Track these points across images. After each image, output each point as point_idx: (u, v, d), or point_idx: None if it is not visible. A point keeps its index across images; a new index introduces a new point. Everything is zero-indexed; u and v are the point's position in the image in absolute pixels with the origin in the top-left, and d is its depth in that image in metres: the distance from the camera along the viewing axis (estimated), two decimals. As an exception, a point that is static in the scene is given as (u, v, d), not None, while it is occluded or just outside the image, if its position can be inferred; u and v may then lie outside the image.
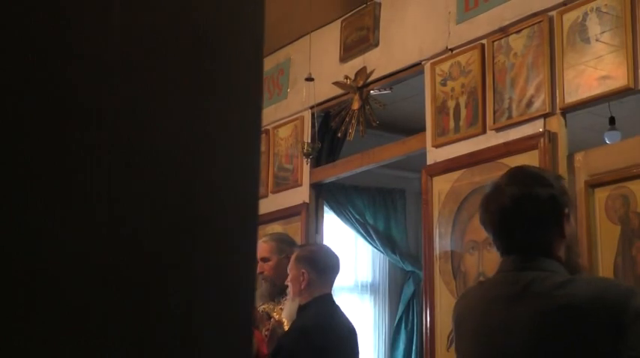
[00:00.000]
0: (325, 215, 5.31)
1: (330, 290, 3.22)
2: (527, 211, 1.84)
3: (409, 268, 5.91)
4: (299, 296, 3.17)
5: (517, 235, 1.86)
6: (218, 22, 0.70)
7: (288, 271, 3.22)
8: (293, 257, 3.25)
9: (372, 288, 6.16)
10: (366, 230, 5.80)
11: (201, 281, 0.66)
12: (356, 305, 6.05)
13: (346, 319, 3.23)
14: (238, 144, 0.69)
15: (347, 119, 4.52)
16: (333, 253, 3.35)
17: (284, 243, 3.53)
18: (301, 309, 3.16)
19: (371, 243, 5.86)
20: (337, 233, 5.86)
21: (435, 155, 4.03)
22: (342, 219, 5.67)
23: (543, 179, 1.88)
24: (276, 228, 4.88)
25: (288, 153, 4.96)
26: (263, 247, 3.63)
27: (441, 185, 3.98)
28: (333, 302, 3.21)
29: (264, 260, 3.58)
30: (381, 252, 5.90)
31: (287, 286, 3.25)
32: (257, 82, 0.71)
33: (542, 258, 1.83)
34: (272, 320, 3.36)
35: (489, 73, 3.79)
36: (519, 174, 1.93)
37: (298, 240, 4.65)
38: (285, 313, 3.25)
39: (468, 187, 3.83)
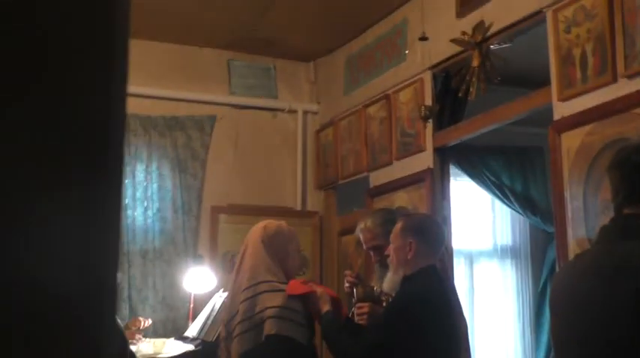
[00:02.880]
0: (458, 179, 5.11)
1: (435, 262, 3.06)
2: None
3: (551, 230, 5.58)
4: (403, 267, 3.04)
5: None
6: None
7: (392, 240, 3.09)
8: (398, 226, 3.11)
9: (513, 252, 5.88)
10: (502, 192, 5.52)
11: None
12: (496, 270, 5.81)
13: (454, 292, 3.07)
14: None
15: (467, 77, 4.28)
16: (440, 224, 3.19)
17: (390, 224, 3.37)
18: (405, 280, 3.03)
19: (509, 206, 5.58)
20: (468, 198, 5.63)
21: (562, 109, 3.72)
22: (476, 182, 5.43)
23: None
24: (402, 195, 4.74)
25: (409, 118, 4.77)
26: (369, 236, 3.51)
27: (570, 141, 3.67)
28: (439, 274, 3.06)
29: (377, 248, 3.46)
30: (521, 214, 5.60)
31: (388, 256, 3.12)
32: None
33: None
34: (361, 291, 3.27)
35: (618, 15, 3.44)
36: None
37: (423, 207, 4.48)
38: (387, 284, 3.13)
39: (599, 142, 3.51)
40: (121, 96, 0.62)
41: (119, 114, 0.62)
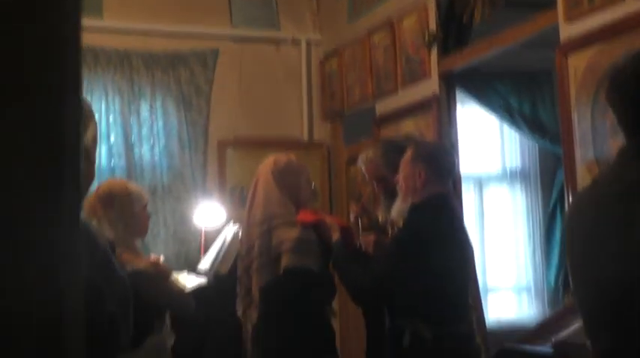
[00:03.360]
0: (464, 106, 5.06)
1: (446, 190, 3.05)
2: None
3: (560, 152, 5.55)
4: (413, 195, 3.04)
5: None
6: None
7: (401, 169, 3.08)
8: (408, 154, 3.10)
9: (522, 176, 5.87)
10: (511, 116, 5.47)
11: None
12: (506, 194, 5.81)
13: (462, 221, 3.07)
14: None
15: (471, 1, 4.19)
16: (450, 152, 3.18)
17: (393, 153, 3.35)
18: (414, 208, 3.03)
19: (517, 129, 5.54)
20: (475, 123, 5.59)
21: (569, 30, 3.65)
22: (483, 106, 5.39)
23: None
24: (408, 123, 4.71)
25: (414, 44, 4.70)
26: (372, 168, 3.50)
27: (578, 62, 3.62)
28: (448, 201, 3.05)
29: (381, 179, 3.45)
30: (529, 137, 5.57)
31: (396, 184, 3.12)
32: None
33: None
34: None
35: None
36: None
37: (431, 135, 4.45)
38: (395, 212, 3.14)
39: (607, 63, 3.45)
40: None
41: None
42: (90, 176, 1.83)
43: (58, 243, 0.58)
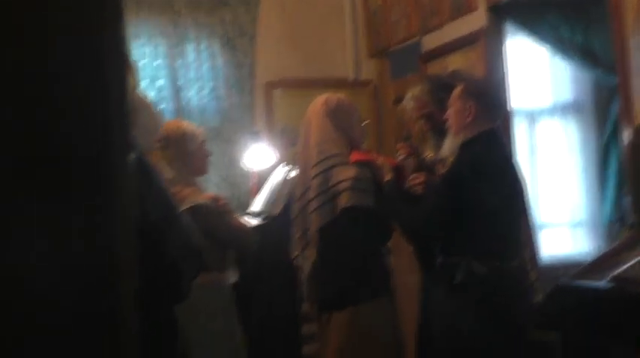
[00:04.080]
0: (513, 38, 4.92)
1: (495, 125, 3.00)
2: None
3: (614, 83, 5.38)
4: (463, 131, 3.00)
5: None
6: None
7: (450, 104, 3.04)
8: (459, 89, 3.05)
9: (575, 109, 5.72)
10: (563, 45, 5.31)
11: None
12: (558, 128, 5.69)
13: (512, 157, 3.02)
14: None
15: None
16: (501, 88, 3.11)
17: (439, 90, 3.30)
18: (465, 144, 2.99)
19: (569, 61, 5.38)
20: (525, 56, 5.44)
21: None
22: (533, 38, 5.23)
23: None
24: (456, 58, 4.61)
25: (461, -24, 4.57)
26: (419, 105, 3.46)
27: (634, -12, 3.48)
28: (499, 137, 3.01)
29: (428, 116, 3.41)
30: (582, 68, 5.41)
31: (446, 121, 3.08)
32: None
33: None
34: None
35: None
36: None
37: (479, 69, 4.36)
38: (445, 149, 3.10)
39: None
40: None
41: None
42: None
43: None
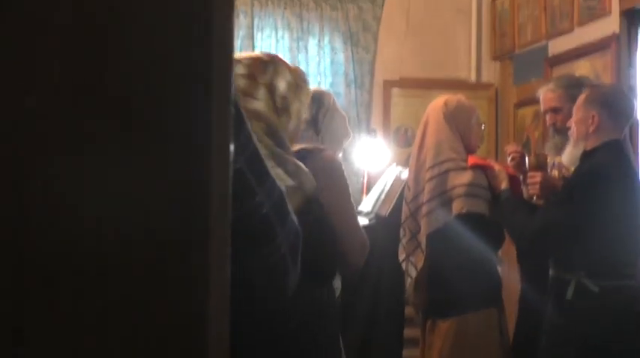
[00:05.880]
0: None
1: (621, 136, 2.87)
2: None
3: None
4: (585, 141, 2.89)
5: None
6: None
7: (574, 112, 2.93)
8: (582, 97, 2.94)
9: None
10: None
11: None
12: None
13: (638, 168, 2.88)
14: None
15: None
16: (629, 97, 2.97)
17: (575, 89, 3.17)
18: (586, 155, 2.88)
19: None
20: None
21: None
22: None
23: None
24: (584, 64, 4.45)
25: (596, -21, 4.39)
26: (550, 97, 3.33)
27: None
28: (623, 149, 2.87)
29: (555, 110, 3.28)
30: None
31: (569, 128, 2.96)
32: None
33: None
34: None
35: None
36: None
37: (607, 76, 4.19)
38: (566, 158, 2.99)
39: None
40: None
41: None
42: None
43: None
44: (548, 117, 3.39)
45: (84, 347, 0.59)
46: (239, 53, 2.50)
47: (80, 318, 0.59)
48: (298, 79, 2.31)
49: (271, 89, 2.14)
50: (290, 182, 2.13)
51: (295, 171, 2.15)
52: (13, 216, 0.58)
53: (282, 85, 2.17)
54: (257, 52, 2.51)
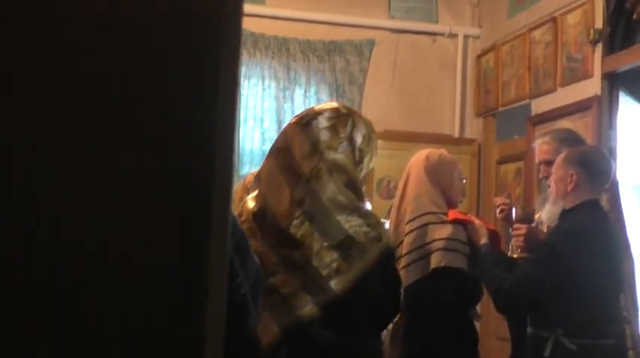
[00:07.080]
0: (625, 107, 4.79)
1: (599, 196, 2.90)
2: None
3: None
4: (563, 200, 2.92)
5: None
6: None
7: (554, 171, 2.96)
8: (562, 156, 2.98)
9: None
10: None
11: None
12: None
13: (617, 228, 2.91)
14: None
15: (643, -4, 3.94)
16: (607, 157, 3.01)
17: (570, 143, 3.22)
18: (565, 213, 2.91)
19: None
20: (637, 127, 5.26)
21: None
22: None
23: None
24: (565, 124, 4.51)
25: (577, 42, 4.49)
26: (545, 149, 3.38)
27: None
28: (602, 209, 2.90)
29: (549, 163, 3.32)
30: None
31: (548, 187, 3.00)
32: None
33: None
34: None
35: None
36: None
37: (588, 137, 4.25)
38: (545, 216, 3.01)
39: None
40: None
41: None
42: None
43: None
44: (541, 169, 3.43)
45: (84, 347, 0.59)
46: (319, 105, 2.60)
47: (80, 320, 0.59)
48: (371, 132, 2.42)
49: (351, 142, 2.27)
50: (372, 234, 2.23)
51: (376, 224, 2.26)
52: (13, 216, 0.58)
53: (359, 138, 2.29)
54: (334, 104, 2.54)
